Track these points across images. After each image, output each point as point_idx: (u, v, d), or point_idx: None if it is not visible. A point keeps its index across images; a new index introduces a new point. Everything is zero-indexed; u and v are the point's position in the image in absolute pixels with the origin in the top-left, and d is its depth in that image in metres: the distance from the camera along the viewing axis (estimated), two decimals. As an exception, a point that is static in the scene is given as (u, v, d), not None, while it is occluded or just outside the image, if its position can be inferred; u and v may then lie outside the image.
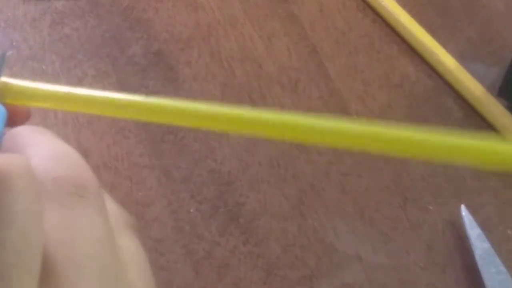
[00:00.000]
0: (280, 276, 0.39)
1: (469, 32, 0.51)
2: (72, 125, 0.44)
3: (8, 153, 0.22)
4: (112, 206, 0.22)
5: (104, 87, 0.46)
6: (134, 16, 0.50)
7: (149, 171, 0.43)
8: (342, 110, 0.46)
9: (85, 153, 0.43)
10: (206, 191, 0.42)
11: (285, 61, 0.48)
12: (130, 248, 0.22)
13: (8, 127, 0.24)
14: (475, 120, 0.46)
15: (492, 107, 0.46)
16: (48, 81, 0.47)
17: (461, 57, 0.48)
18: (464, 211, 0.41)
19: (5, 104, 0.24)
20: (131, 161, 0.43)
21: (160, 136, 0.44)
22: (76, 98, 0.24)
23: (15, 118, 0.25)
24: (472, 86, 0.47)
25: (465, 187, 0.43)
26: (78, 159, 0.22)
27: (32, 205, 0.19)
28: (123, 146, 0.44)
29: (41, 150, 0.21)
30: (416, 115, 0.46)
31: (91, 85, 0.46)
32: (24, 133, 0.23)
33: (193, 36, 0.49)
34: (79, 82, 0.46)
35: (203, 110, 0.23)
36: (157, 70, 0.47)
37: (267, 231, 0.41)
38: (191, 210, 0.41)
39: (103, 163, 0.43)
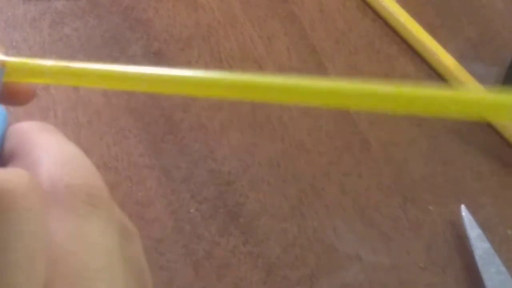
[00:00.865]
0: (280, 276, 0.39)
1: (469, 32, 0.51)
2: (72, 125, 0.44)
3: (13, 153, 0.21)
4: (117, 213, 0.22)
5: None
6: (134, 16, 0.50)
7: (149, 171, 0.43)
8: (342, 110, 0.46)
9: (85, 153, 0.43)
10: (206, 191, 0.42)
11: (285, 61, 0.48)
12: (133, 257, 0.21)
13: (12, 106, 0.23)
14: (475, 120, 0.46)
15: (492, 107, 0.46)
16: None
17: (461, 57, 0.48)
18: (464, 211, 0.41)
19: (5, 84, 0.23)
20: (131, 161, 0.43)
21: (160, 136, 0.44)
22: (74, 72, 0.24)
23: (18, 97, 0.24)
24: (472, 86, 0.47)
25: (465, 187, 0.43)
26: (88, 164, 0.21)
27: (38, 224, 0.18)
28: (123, 146, 0.44)
29: (51, 153, 0.21)
30: (416, 115, 0.46)
31: (91, 85, 0.46)
32: (30, 131, 0.22)
33: (193, 36, 0.49)
34: (79, 82, 0.46)
35: (191, 78, 0.23)
36: (157, 70, 0.47)
37: (267, 231, 0.41)
38: (191, 210, 0.41)
39: (103, 163, 0.43)
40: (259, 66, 0.48)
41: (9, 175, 0.18)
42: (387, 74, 0.48)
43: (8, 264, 0.17)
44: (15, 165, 0.21)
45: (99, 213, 0.20)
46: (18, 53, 0.47)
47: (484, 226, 0.40)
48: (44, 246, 0.18)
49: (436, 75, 0.48)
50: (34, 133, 0.22)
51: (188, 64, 0.47)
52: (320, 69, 0.48)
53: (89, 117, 0.45)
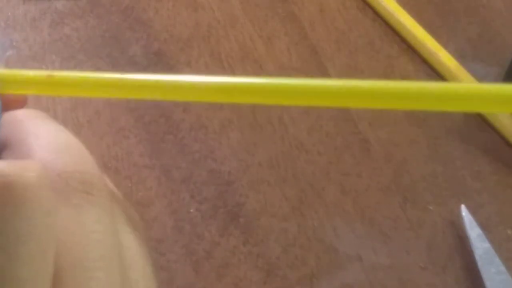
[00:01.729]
0: (280, 276, 0.39)
1: (469, 32, 0.51)
2: (72, 125, 0.44)
3: (7, 141, 0.21)
4: (116, 200, 0.22)
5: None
6: (134, 16, 0.50)
7: (149, 171, 0.43)
8: (342, 110, 0.46)
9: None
10: (206, 191, 0.42)
11: (285, 61, 0.48)
12: (132, 246, 0.21)
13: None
14: (475, 120, 0.46)
15: (492, 107, 0.46)
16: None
17: (461, 57, 0.48)
18: (464, 211, 0.41)
19: None
20: (131, 161, 0.43)
21: (160, 136, 0.44)
22: (58, 81, 0.24)
23: (9, 107, 0.24)
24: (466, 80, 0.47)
25: (465, 187, 0.43)
26: (82, 151, 0.21)
27: (49, 217, 0.18)
28: (123, 146, 0.44)
29: (44, 140, 0.21)
30: (416, 115, 0.46)
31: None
32: (24, 119, 0.22)
33: (193, 36, 0.49)
34: (79, 82, 0.46)
35: (163, 83, 0.23)
36: (157, 70, 0.47)
37: (267, 231, 0.41)
38: (191, 210, 0.41)
39: (103, 163, 0.43)
40: (259, 66, 0.48)
41: (22, 167, 0.18)
42: (387, 74, 0.48)
43: (20, 257, 0.17)
44: (9, 153, 0.21)
45: (94, 201, 0.20)
46: (18, 53, 0.47)
47: (484, 226, 0.40)
48: (54, 238, 0.18)
49: (436, 75, 0.48)
50: (28, 121, 0.22)
51: (188, 64, 0.47)
52: (320, 69, 0.48)
53: (89, 117, 0.45)
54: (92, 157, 0.21)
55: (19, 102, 0.24)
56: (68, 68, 0.47)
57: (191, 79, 0.22)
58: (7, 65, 0.47)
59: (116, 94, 0.24)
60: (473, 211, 0.41)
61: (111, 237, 0.20)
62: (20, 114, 0.22)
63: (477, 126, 0.46)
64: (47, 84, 0.23)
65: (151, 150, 0.44)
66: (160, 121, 0.45)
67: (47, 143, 0.21)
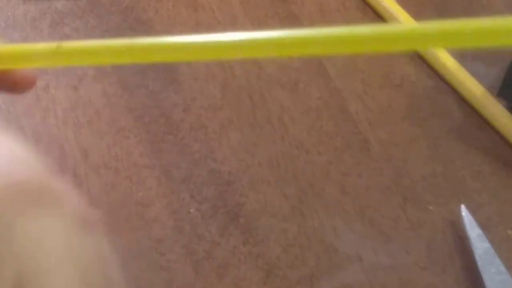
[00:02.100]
0: (280, 276, 0.39)
1: (469, 32, 0.50)
2: (72, 125, 0.44)
3: None
4: (71, 205, 0.22)
5: (104, 87, 0.46)
6: (134, 16, 0.50)
7: (149, 171, 0.43)
8: (342, 110, 0.46)
9: (85, 153, 0.43)
10: (206, 191, 0.42)
11: (285, 61, 0.48)
12: (91, 248, 0.21)
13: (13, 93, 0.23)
14: (475, 120, 0.46)
15: (492, 107, 0.46)
16: (48, 81, 0.47)
17: (461, 57, 0.48)
18: (464, 211, 0.41)
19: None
20: (131, 161, 0.43)
21: (160, 136, 0.44)
22: (67, 51, 0.23)
23: (18, 85, 0.24)
24: (472, 86, 0.47)
25: (465, 187, 0.43)
26: (37, 162, 0.21)
27: (9, 229, 0.18)
28: (123, 146, 0.44)
29: (0, 151, 0.21)
30: (416, 115, 0.46)
31: (91, 85, 0.46)
32: None
33: (193, 36, 0.49)
34: (79, 82, 0.46)
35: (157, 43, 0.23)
36: (157, 70, 0.47)
37: (267, 231, 0.41)
38: (191, 210, 0.41)
39: (103, 163, 0.43)
40: (259, 66, 0.48)
41: None
42: (387, 74, 0.48)
43: None
44: None
45: (47, 211, 0.20)
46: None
47: (484, 226, 0.40)
48: (13, 250, 0.18)
49: (436, 75, 0.48)
50: None
51: (188, 63, 0.47)
52: (320, 69, 0.48)
53: (89, 117, 0.45)
54: (46, 166, 0.21)
55: (29, 83, 0.24)
56: (68, 67, 0.47)
57: (196, 39, 0.22)
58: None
59: (126, 59, 0.24)
60: (473, 211, 0.41)
61: (67, 245, 0.20)
62: None
63: (477, 126, 0.46)
64: (56, 54, 0.23)
65: (151, 150, 0.44)
66: (160, 121, 0.45)
67: (2, 154, 0.21)
